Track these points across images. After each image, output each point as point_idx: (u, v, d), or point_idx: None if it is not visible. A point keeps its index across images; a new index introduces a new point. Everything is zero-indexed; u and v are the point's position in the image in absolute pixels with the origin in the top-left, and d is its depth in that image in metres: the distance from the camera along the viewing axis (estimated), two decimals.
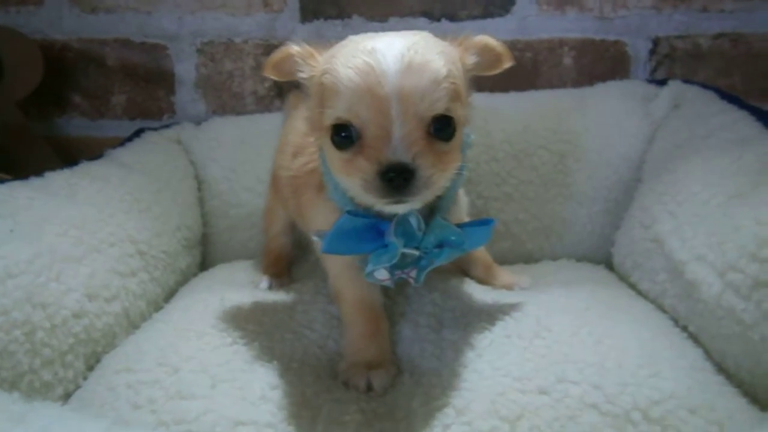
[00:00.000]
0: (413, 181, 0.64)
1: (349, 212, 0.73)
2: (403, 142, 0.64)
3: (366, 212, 0.74)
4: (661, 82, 1.27)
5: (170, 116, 1.45)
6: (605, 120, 1.20)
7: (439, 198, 0.76)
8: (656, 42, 1.40)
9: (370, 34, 0.72)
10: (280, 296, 0.94)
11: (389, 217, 0.73)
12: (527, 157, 1.18)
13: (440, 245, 0.76)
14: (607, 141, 1.19)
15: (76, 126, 1.43)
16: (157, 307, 0.99)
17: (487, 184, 1.19)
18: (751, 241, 0.71)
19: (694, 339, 0.79)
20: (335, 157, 0.70)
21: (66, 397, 0.77)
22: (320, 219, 0.81)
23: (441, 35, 0.75)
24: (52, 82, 1.37)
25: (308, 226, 0.88)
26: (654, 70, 1.41)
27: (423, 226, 0.73)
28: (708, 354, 0.76)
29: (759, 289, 0.68)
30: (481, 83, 1.35)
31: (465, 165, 0.79)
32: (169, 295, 1.04)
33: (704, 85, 1.21)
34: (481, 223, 0.81)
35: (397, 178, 0.64)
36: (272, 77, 0.78)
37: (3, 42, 1.22)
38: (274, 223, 1.12)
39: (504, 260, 1.17)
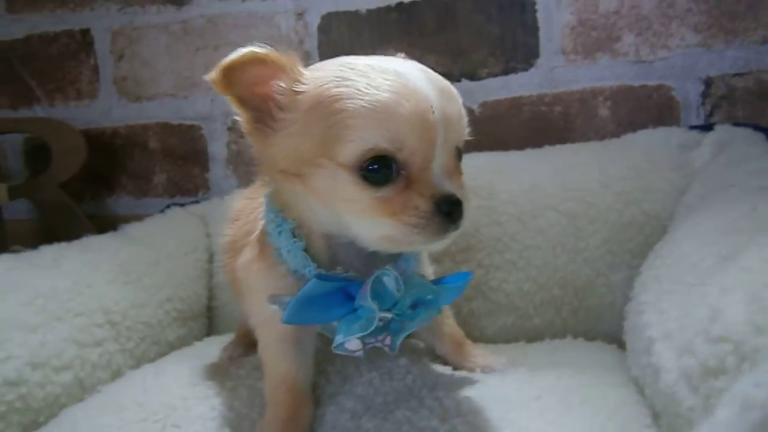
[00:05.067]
0: (461, 212, 0.59)
1: (319, 276, 0.64)
2: (445, 172, 0.59)
3: (333, 275, 0.65)
4: (707, 128, 1.08)
5: (204, 192, 1.51)
6: (627, 174, 1.03)
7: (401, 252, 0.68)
8: (709, 83, 1.20)
9: (363, 58, 0.62)
10: (220, 371, 0.89)
11: (359, 277, 0.64)
12: (533, 219, 1.04)
13: (414, 306, 0.66)
14: (628, 198, 1.02)
15: (123, 205, 1.55)
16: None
17: (488, 251, 1.05)
18: (706, 313, 0.54)
19: None
20: (363, 197, 0.58)
21: None
22: (265, 285, 0.71)
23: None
24: (102, 166, 1.51)
25: (245, 296, 0.81)
26: (710, 115, 1.21)
27: (401, 285, 0.63)
28: None
29: (707, 379, 0.50)
30: (506, 141, 1.26)
31: None
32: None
33: (757, 127, 1.01)
34: (457, 278, 0.72)
35: (456, 211, 0.58)
36: (216, 87, 0.61)
37: (51, 132, 1.37)
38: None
39: (506, 338, 1.02)
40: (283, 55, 0.61)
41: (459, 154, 0.64)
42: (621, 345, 0.91)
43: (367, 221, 0.60)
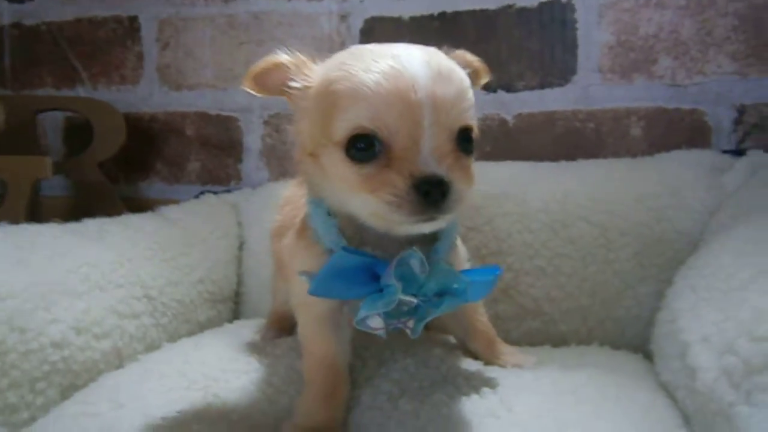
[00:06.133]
0: (449, 195, 0.59)
1: (344, 248, 0.67)
2: (435, 154, 0.59)
3: (359, 251, 0.68)
4: (740, 153, 1.11)
5: (237, 182, 1.54)
6: (661, 191, 1.06)
7: (436, 239, 0.70)
8: (742, 110, 1.23)
9: (375, 45, 0.66)
10: (257, 349, 0.91)
11: (386, 258, 0.66)
12: (564, 228, 1.07)
13: (441, 294, 0.67)
14: (661, 214, 1.04)
15: (156, 189, 1.58)
16: None
17: (518, 256, 1.08)
18: (749, 315, 0.56)
19: None
20: (350, 174, 0.62)
21: (31, 421, 0.80)
22: (302, 263, 0.74)
23: None
24: (139, 150, 1.54)
25: (289, 276, 0.84)
26: (741, 141, 1.24)
27: (426, 268, 0.65)
28: None
29: (750, 376, 0.52)
30: (537, 153, 1.29)
31: None
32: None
33: None
34: (486, 271, 0.73)
35: (434, 192, 0.58)
36: (252, 92, 0.69)
37: (94, 112, 1.41)
38: (278, 290, 1.03)
39: (531, 342, 1.04)
40: (295, 59, 0.67)
41: (465, 138, 0.63)
42: (646, 355, 0.93)
43: (357, 198, 0.63)
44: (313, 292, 0.66)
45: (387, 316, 0.66)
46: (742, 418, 0.52)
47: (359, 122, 0.60)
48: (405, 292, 0.64)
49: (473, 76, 0.71)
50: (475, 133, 0.65)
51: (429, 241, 0.70)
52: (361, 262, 0.66)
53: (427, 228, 0.63)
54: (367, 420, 0.72)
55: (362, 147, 0.60)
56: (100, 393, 0.80)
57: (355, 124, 0.60)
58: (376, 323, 0.66)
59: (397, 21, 1.42)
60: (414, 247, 0.64)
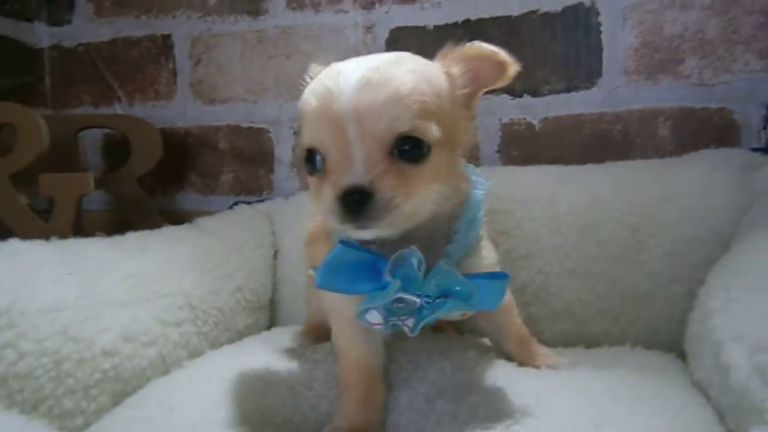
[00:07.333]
0: (370, 204, 0.61)
1: (342, 242, 0.69)
2: (365, 165, 0.61)
3: (357, 244, 0.69)
4: None
5: (269, 192, 1.58)
6: (691, 190, 1.06)
7: (447, 242, 0.72)
8: None
9: (349, 60, 0.69)
10: (296, 355, 0.94)
11: (389, 254, 0.67)
12: (593, 230, 1.08)
13: (444, 296, 0.68)
14: (692, 214, 1.04)
15: (191, 201, 1.63)
16: None
17: (548, 258, 1.09)
18: None
19: None
20: (309, 183, 0.69)
21: (86, 426, 0.84)
22: (319, 260, 0.74)
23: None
24: (174, 163, 1.59)
25: None
26: None
27: (423, 266, 0.66)
28: None
29: None
30: (564, 156, 1.30)
31: (477, 209, 0.74)
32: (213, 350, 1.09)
33: None
34: (493, 276, 0.74)
35: (350, 202, 0.61)
36: None
37: (132, 128, 1.46)
38: (313, 297, 1.05)
39: (564, 343, 1.05)
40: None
41: (410, 146, 0.63)
42: (679, 354, 0.94)
43: (313, 205, 0.69)
44: (319, 285, 0.70)
45: (388, 313, 0.68)
46: None
47: (306, 139, 0.66)
48: (406, 290, 0.66)
49: (494, 68, 0.70)
50: (433, 137, 0.63)
51: (443, 243, 0.72)
52: (363, 258, 0.68)
53: (366, 235, 0.65)
54: (405, 421, 0.75)
55: (311, 160, 0.67)
56: (149, 398, 0.83)
57: (305, 141, 0.66)
58: (374, 318, 0.69)
59: (421, 30, 1.44)
60: (413, 246, 0.66)
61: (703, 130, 1.27)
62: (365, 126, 0.62)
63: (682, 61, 1.28)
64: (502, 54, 0.69)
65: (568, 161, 1.25)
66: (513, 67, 0.69)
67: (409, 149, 0.63)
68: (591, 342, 1.04)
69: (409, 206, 0.63)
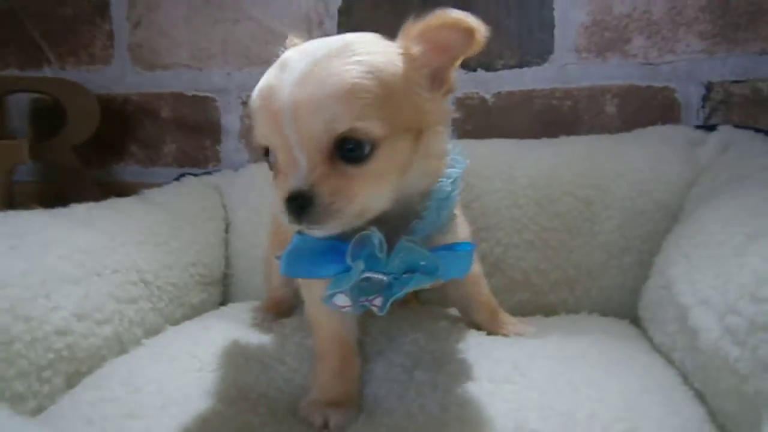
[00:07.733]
0: (312, 208, 0.59)
1: (298, 233, 0.68)
2: (308, 166, 0.60)
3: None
4: (710, 128, 1.17)
5: (215, 164, 1.52)
6: (641, 165, 1.11)
7: (413, 219, 0.70)
8: (709, 87, 1.29)
9: (295, 48, 0.65)
10: (263, 330, 0.92)
11: (350, 237, 0.65)
12: (551, 203, 1.11)
13: (411, 270, 0.67)
14: (642, 187, 1.09)
15: (131, 173, 1.54)
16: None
17: (507, 230, 1.12)
18: (751, 279, 0.61)
19: (701, 397, 0.68)
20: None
21: (39, 410, 0.78)
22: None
23: None
24: (112, 133, 1.50)
25: None
26: (708, 117, 1.30)
27: (385, 246, 0.65)
28: (713, 415, 0.64)
29: (755, 333, 0.57)
30: (516, 130, 1.33)
31: (451, 187, 0.73)
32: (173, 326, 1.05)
33: (758, 129, 1.10)
34: (457, 246, 0.73)
35: (291, 207, 0.60)
36: None
37: (67, 94, 1.36)
38: (273, 274, 1.03)
39: (522, 312, 1.08)
40: None
41: (351, 146, 0.60)
42: (632, 321, 0.99)
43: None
44: (283, 273, 0.68)
45: (356, 293, 0.67)
46: (749, 368, 0.56)
47: (257, 138, 0.64)
48: (371, 270, 0.66)
49: (466, 36, 0.66)
50: (378, 135, 0.60)
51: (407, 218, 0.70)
52: (324, 243, 0.67)
53: (317, 233, 0.65)
54: (385, 391, 0.75)
55: (266, 156, 0.65)
56: (112, 378, 0.79)
57: (257, 139, 0.64)
58: (342, 301, 0.68)
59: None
60: (372, 228, 0.65)
61: (647, 108, 1.33)
62: (302, 127, 0.59)
63: (629, 40, 1.32)
64: (467, 20, 0.65)
65: (519, 135, 1.27)
66: (481, 32, 0.65)
67: (351, 149, 0.60)
68: (548, 311, 1.08)
69: (354, 208, 0.61)
